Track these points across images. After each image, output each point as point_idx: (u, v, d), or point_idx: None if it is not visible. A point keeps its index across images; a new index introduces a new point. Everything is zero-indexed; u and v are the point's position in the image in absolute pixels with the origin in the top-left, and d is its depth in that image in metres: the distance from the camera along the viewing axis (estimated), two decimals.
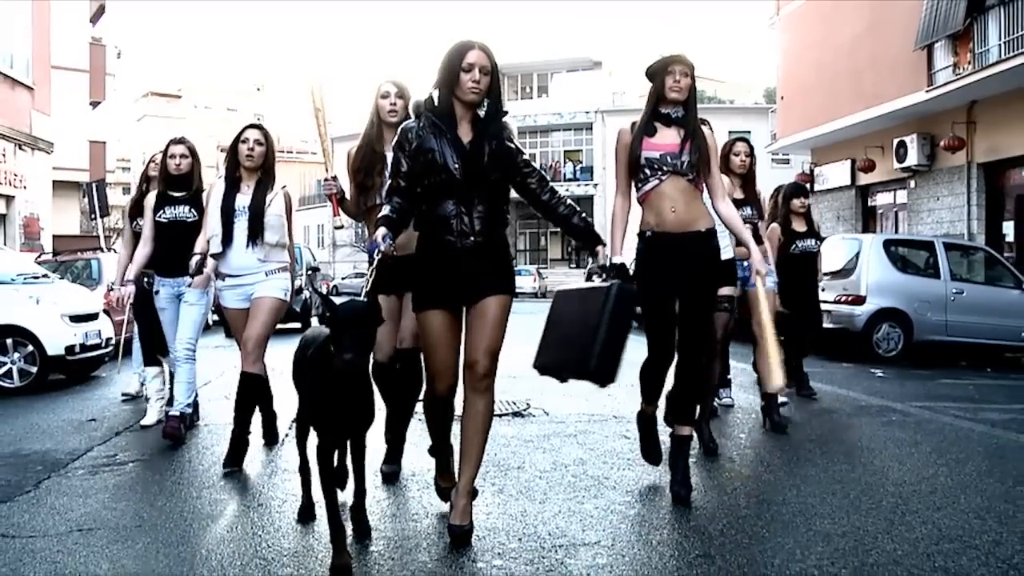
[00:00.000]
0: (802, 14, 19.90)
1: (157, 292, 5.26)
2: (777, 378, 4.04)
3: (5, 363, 7.51)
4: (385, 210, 3.11)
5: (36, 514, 3.56)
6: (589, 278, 3.34)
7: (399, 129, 3.21)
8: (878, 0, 16.44)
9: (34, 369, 7.58)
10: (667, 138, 3.73)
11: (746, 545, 3.14)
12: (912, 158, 16.30)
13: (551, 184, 3.29)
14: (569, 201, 3.29)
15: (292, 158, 47.81)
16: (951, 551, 3.05)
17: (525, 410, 6.00)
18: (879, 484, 4.05)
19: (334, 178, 4.06)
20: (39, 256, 13.07)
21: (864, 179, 18.84)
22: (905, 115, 16.17)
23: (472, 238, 3.08)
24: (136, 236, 5.65)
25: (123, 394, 6.89)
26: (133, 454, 4.72)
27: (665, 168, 3.70)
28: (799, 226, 6.60)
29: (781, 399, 5.65)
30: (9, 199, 16.72)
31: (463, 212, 3.08)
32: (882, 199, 18.86)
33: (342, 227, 4.24)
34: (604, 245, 3.31)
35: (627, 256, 3.70)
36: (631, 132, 3.84)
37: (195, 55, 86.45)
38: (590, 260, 3.37)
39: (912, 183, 17.07)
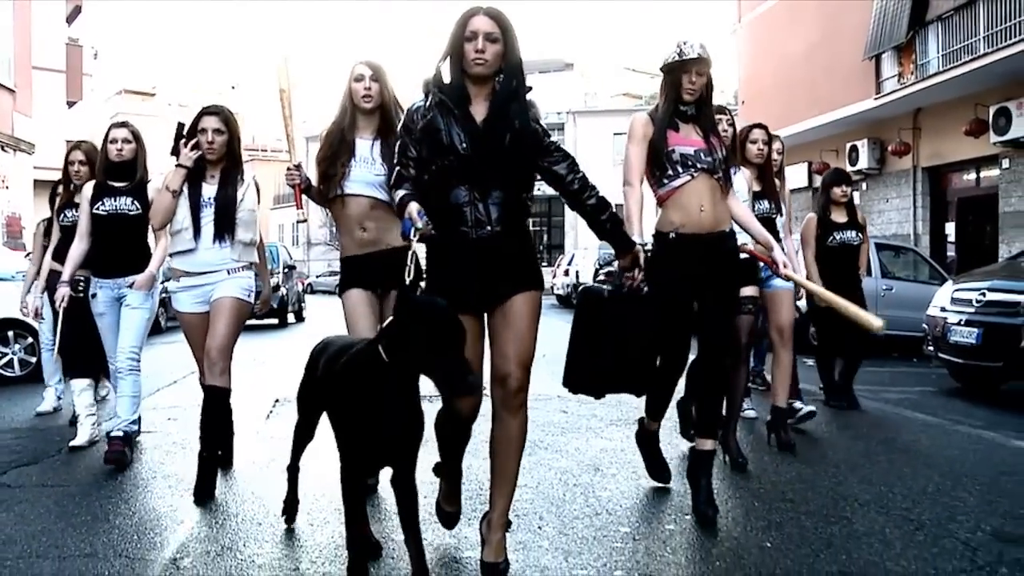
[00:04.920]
0: (762, 23, 20.74)
1: (94, 295, 4.66)
2: (874, 320, 3.86)
3: (7, 354, 8.18)
4: (401, 192, 2.75)
5: (64, 471, 4.32)
6: (608, 276, 3.40)
7: (405, 111, 2.90)
8: (831, 12, 17.28)
9: (33, 359, 8.22)
10: (691, 133, 3.59)
11: (628, 486, 3.93)
12: (863, 162, 17.09)
13: (582, 172, 2.92)
14: (601, 194, 2.93)
15: (267, 157, 48.10)
16: (801, 489, 3.89)
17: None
18: (763, 445, 4.86)
19: (297, 167, 3.71)
20: (27, 255, 13.64)
21: (820, 181, 19.69)
22: (856, 121, 16.95)
23: (488, 227, 2.72)
24: (62, 230, 5.26)
25: (37, 412, 5.99)
26: (141, 427, 5.41)
27: (699, 165, 3.53)
28: (839, 216, 6.12)
29: (807, 408, 5.36)
30: None
31: (477, 199, 2.72)
32: None
33: (305, 220, 3.94)
34: (638, 249, 3.08)
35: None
36: (651, 123, 3.64)
37: (170, 53, 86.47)
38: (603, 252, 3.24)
39: (864, 185, 17.92)
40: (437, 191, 2.76)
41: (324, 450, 4.22)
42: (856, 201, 17.92)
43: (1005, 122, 12.80)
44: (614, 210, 2.95)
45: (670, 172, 3.54)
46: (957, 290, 7.37)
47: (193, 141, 3.98)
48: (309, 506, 3.63)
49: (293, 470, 3.36)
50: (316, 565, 2.96)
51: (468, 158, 2.73)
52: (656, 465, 3.98)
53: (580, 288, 3.41)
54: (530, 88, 2.85)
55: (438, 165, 2.76)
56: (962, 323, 6.96)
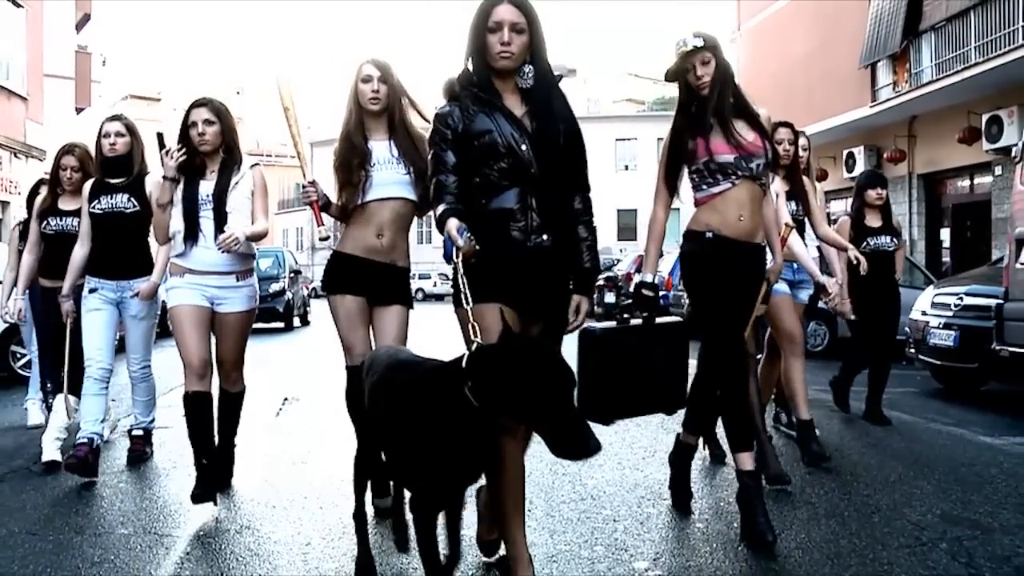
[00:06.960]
0: (760, 31, 21.06)
1: (93, 290, 4.40)
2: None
3: (27, 354, 8.52)
4: (441, 207, 2.53)
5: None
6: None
7: (434, 116, 2.69)
8: (828, 21, 17.60)
9: None
10: (731, 136, 3.31)
11: (613, 475, 4.25)
12: (860, 168, 17.28)
13: (587, 191, 2.80)
14: (593, 224, 2.81)
15: (271, 162, 48.53)
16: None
17: None
18: None
19: (312, 183, 3.52)
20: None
21: (818, 187, 19.98)
22: (853, 128, 17.22)
23: (544, 235, 2.59)
24: (44, 238, 4.93)
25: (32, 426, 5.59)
26: (157, 423, 5.71)
27: (740, 172, 3.29)
28: (873, 221, 5.84)
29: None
30: (4, 205, 17.64)
31: (532, 204, 2.57)
32: (835, 207, 19.98)
33: (327, 238, 3.64)
34: (580, 301, 2.76)
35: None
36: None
37: (175, 58, 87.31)
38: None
39: None
40: (487, 194, 2.60)
41: (331, 438, 4.59)
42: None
43: (997, 130, 13.09)
44: (595, 247, 2.81)
45: (709, 179, 3.32)
46: (938, 294, 7.67)
47: (176, 147, 3.76)
48: (319, 491, 3.95)
49: (360, 517, 2.82)
50: (326, 541, 3.28)
51: (527, 160, 2.58)
52: (682, 488, 3.74)
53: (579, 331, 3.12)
54: (560, 77, 2.72)
55: (495, 169, 2.58)
56: (941, 326, 7.26)
